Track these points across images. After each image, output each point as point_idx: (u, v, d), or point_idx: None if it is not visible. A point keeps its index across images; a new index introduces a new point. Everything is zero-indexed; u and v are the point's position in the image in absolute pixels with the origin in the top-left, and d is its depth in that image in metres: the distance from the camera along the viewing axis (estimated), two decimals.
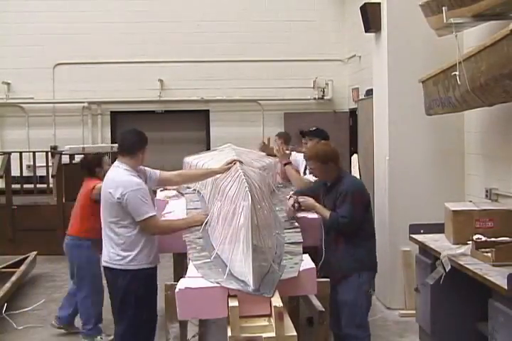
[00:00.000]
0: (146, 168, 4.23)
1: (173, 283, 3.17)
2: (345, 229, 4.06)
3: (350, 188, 4.12)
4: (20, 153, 9.25)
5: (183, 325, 3.33)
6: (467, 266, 3.85)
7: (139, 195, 3.86)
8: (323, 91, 10.18)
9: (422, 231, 4.91)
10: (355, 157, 7.60)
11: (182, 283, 2.71)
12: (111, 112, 10.42)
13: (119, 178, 3.96)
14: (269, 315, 2.57)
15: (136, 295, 3.96)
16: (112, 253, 4.00)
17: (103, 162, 5.02)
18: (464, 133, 5.76)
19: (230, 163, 4.03)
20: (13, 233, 8.59)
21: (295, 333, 2.52)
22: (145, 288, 4.00)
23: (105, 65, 10.12)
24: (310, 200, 4.18)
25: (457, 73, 4.17)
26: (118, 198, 3.86)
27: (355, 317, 4.13)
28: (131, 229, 3.93)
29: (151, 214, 3.87)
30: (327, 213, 4.07)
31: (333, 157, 4.23)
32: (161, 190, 5.40)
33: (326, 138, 5.23)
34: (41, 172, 9.45)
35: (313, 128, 5.41)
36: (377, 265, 4.49)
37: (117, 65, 10.11)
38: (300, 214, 3.90)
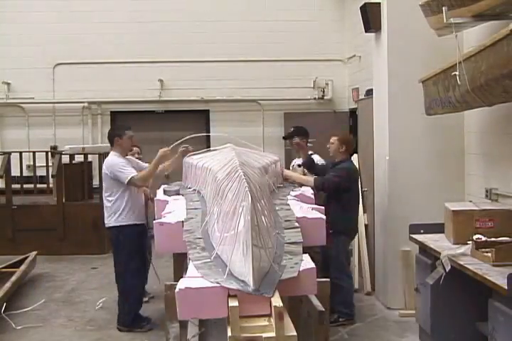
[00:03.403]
0: (135, 160, 5.79)
1: (173, 283, 3.17)
2: (324, 188, 5.41)
3: (343, 166, 5.55)
4: (20, 153, 9.24)
5: (183, 325, 3.32)
6: (467, 266, 3.85)
7: (118, 167, 5.35)
8: (323, 91, 10.18)
9: (422, 231, 4.91)
10: (355, 157, 7.59)
11: (182, 283, 2.70)
12: (111, 112, 10.43)
13: (106, 162, 5.50)
14: (269, 315, 2.57)
15: (123, 244, 5.39)
16: (105, 217, 5.52)
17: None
18: (464, 133, 5.77)
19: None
20: (13, 233, 8.59)
21: (295, 333, 2.51)
22: (129, 238, 5.38)
23: (105, 65, 10.13)
24: (289, 172, 5.71)
25: (457, 73, 4.17)
26: (106, 174, 5.44)
27: (338, 265, 5.51)
28: (117, 197, 5.41)
29: (131, 175, 5.32)
30: (310, 178, 5.51)
31: (349, 144, 5.66)
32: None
33: (306, 133, 6.29)
34: (41, 172, 9.44)
35: (292, 129, 6.38)
36: (355, 233, 5.95)
37: (117, 65, 10.12)
38: (300, 214, 3.90)
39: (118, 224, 5.45)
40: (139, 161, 5.86)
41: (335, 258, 5.51)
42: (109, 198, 5.49)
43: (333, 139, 5.68)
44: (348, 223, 5.60)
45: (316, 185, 5.37)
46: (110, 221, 5.50)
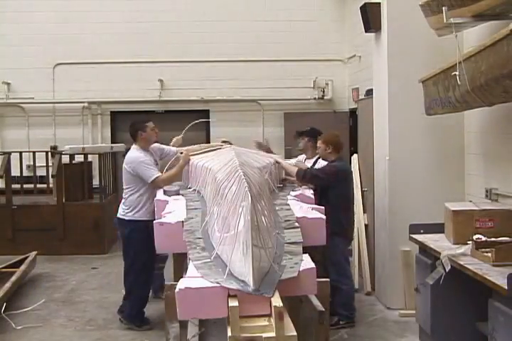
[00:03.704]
0: (162, 146, 5.85)
1: (173, 283, 3.17)
2: (305, 178, 5.25)
3: (333, 164, 5.47)
4: (20, 153, 9.24)
5: (183, 325, 3.32)
6: (467, 266, 3.85)
7: (142, 165, 5.39)
8: (323, 91, 10.17)
9: (422, 231, 4.91)
10: (355, 157, 7.60)
11: (182, 283, 2.70)
12: (111, 112, 10.42)
13: (129, 157, 5.54)
14: (269, 315, 2.57)
15: (136, 239, 5.40)
16: (122, 209, 5.56)
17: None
18: (464, 133, 5.77)
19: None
20: (13, 233, 8.58)
21: (295, 333, 2.52)
22: (142, 235, 5.24)
23: (105, 65, 10.13)
24: (279, 158, 5.55)
25: (457, 73, 4.17)
26: (128, 169, 5.45)
27: (336, 267, 5.39)
28: (134, 192, 5.47)
29: (155, 176, 5.38)
30: (294, 168, 5.36)
31: (334, 143, 5.54)
32: None
33: (316, 135, 6.03)
34: (41, 172, 9.43)
35: (308, 128, 6.21)
36: (352, 235, 5.91)
37: (117, 65, 10.11)
38: (300, 214, 3.90)
39: (131, 219, 5.48)
40: (165, 146, 5.87)
41: (333, 261, 5.40)
42: (128, 191, 5.54)
43: (319, 142, 5.63)
44: (340, 224, 5.35)
45: (297, 174, 5.26)
46: (125, 214, 5.53)
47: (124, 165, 5.56)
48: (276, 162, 5.38)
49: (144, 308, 5.59)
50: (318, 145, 5.65)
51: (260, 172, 3.99)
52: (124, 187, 5.64)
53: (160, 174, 5.42)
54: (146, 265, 5.50)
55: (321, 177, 5.32)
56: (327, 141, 5.58)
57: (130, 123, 5.78)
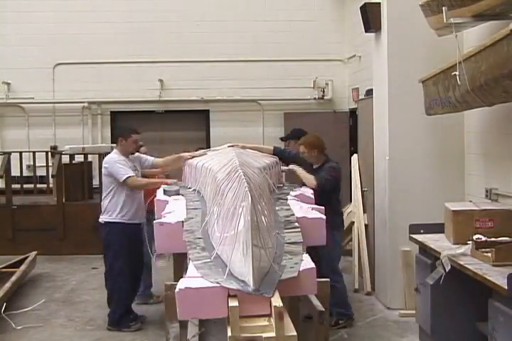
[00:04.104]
0: (141, 155, 5.82)
1: (173, 283, 3.17)
2: (325, 187, 5.24)
3: (331, 165, 5.44)
4: (20, 153, 9.25)
5: (183, 325, 3.33)
6: (467, 266, 3.85)
7: (116, 164, 5.38)
8: (323, 91, 10.18)
9: (422, 231, 4.91)
10: (355, 157, 7.60)
11: (182, 283, 2.70)
12: (111, 112, 10.42)
13: (106, 158, 5.60)
14: (269, 315, 2.57)
15: (113, 242, 5.42)
16: (101, 212, 5.54)
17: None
18: (464, 133, 5.77)
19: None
20: (13, 233, 8.59)
21: (295, 333, 2.52)
22: (119, 237, 5.39)
23: (105, 65, 10.14)
24: (295, 166, 5.42)
25: (457, 73, 4.17)
26: (104, 171, 5.48)
27: (329, 264, 5.31)
28: (110, 195, 5.46)
29: (128, 175, 5.34)
30: (312, 176, 5.29)
31: (318, 146, 5.47)
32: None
33: (304, 134, 6.03)
34: (41, 172, 9.45)
35: (292, 130, 6.40)
36: (343, 227, 5.89)
37: (117, 64, 10.12)
38: (300, 214, 3.90)
39: (108, 221, 5.49)
40: (143, 156, 5.86)
41: (327, 258, 5.30)
42: (104, 194, 5.55)
43: (301, 147, 5.50)
44: (340, 216, 5.59)
45: (318, 184, 5.20)
46: (102, 217, 5.55)
47: (102, 167, 5.62)
48: (293, 170, 5.36)
49: (128, 311, 5.58)
50: (300, 150, 5.53)
51: (260, 173, 3.99)
52: (103, 191, 5.65)
53: (133, 175, 5.41)
54: (126, 268, 5.48)
55: (331, 180, 5.33)
56: (310, 144, 5.47)
57: (117, 126, 5.85)
